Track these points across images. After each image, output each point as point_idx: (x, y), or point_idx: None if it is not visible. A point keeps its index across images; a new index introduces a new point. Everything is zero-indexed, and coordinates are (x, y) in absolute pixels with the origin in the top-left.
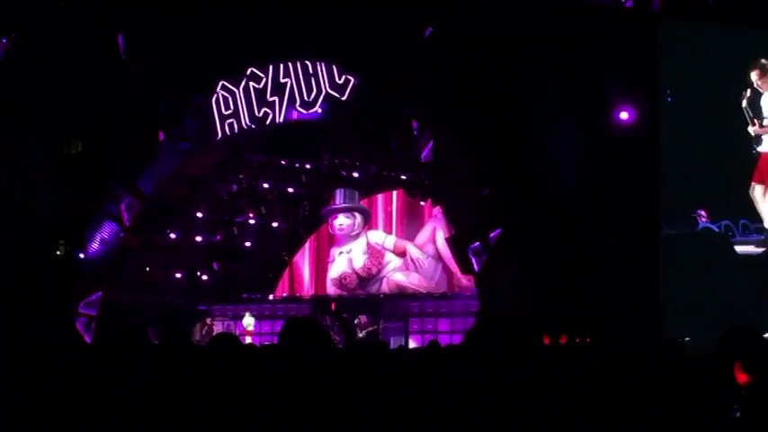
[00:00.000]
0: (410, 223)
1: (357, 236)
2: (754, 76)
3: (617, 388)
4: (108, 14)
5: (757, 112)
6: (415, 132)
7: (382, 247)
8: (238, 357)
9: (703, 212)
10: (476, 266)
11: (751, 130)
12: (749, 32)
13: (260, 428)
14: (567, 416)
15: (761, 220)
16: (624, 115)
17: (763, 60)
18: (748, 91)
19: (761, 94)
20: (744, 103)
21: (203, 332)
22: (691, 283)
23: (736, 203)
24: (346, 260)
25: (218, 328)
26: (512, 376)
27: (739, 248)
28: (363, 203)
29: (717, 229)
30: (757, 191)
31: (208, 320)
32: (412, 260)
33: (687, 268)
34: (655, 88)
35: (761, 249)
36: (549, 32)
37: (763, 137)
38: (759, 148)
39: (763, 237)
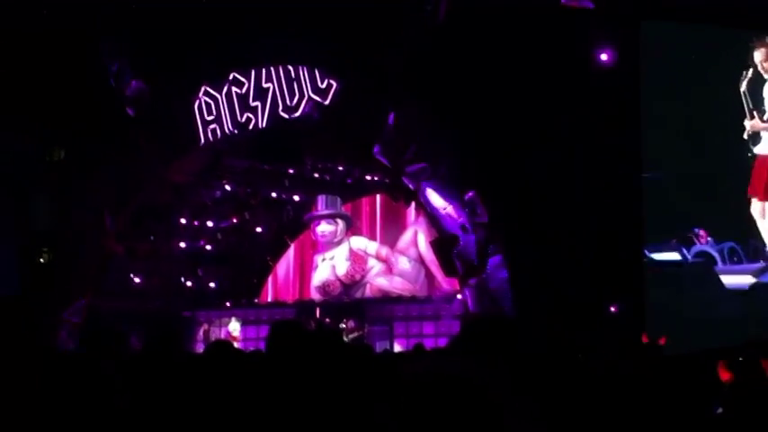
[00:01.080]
0: (393, 227)
1: (340, 242)
2: (758, 56)
3: (602, 387)
4: (91, 18)
5: (757, 102)
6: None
7: (365, 253)
8: (235, 364)
9: (702, 232)
10: (459, 269)
11: (747, 124)
12: (736, 33)
13: None
14: (554, 415)
15: None
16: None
17: None
18: (750, 72)
19: (763, 81)
20: (743, 87)
21: (201, 338)
22: (674, 310)
23: (743, 221)
24: (329, 267)
25: (214, 333)
26: (502, 374)
27: (741, 278)
28: (347, 208)
29: (716, 253)
30: (755, 207)
31: (205, 326)
32: (392, 261)
33: (670, 296)
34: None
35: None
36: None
37: (762, 135)
38: (755, 149)
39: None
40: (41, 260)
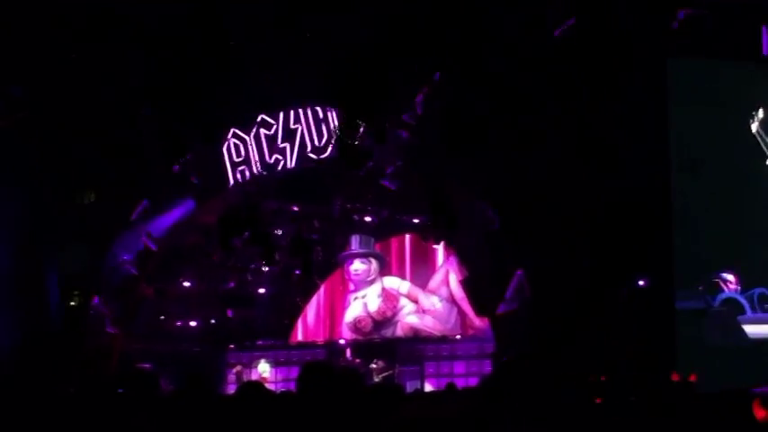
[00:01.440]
0: (422, 266)
1: (372, 281)
2: None
3: (631, 425)
4: (117, 62)
5: None
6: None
7: (397, 292)
8: (266, 405)
9: (731, 278)
10: (493, 308)
11: None
12: (764, 69)
13: None
14: None
15: None
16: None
17: None
18: (760, 112)
19: None
20: (755, 127)
21: (234, 380)
22: (704, 350)
23: None
24: (361, 304)
25: (246, 375)
26: (528, 413)
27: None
28: (377, 247)
29: (744, 300)
30: None
31: (238, 367)
32: (424, 310)
33: (699, 338)
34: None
35: None
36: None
37: None
38: None
39: None
40: (72, 303)
